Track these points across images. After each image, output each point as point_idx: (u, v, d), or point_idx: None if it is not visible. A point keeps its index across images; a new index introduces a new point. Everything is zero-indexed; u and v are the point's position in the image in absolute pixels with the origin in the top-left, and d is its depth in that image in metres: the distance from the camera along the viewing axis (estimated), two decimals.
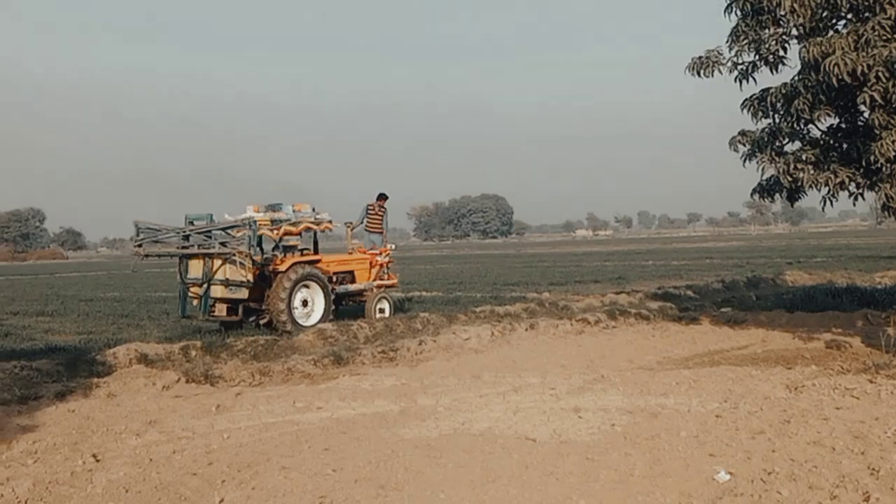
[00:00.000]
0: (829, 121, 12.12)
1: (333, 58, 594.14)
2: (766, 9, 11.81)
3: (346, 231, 19.25)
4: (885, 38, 10.28)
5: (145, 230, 16.30)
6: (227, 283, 15.44)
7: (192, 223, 16.06)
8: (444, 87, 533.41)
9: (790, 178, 11.94)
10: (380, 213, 19.38)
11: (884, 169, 10.86)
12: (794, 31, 11.91)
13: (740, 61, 12.61)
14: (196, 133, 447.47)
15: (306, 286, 16.09)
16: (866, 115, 11.35)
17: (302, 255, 16.75)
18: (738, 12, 12.49)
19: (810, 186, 11.88)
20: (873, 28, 10.31)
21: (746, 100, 12.78)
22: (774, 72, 12.47)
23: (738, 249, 58.02)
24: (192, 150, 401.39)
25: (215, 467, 6.98)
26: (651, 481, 6.12)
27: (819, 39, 10.69)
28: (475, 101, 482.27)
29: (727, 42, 12.63)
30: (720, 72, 12.75)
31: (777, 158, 12.20)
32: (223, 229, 15.67)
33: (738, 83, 12.72)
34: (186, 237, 15.87)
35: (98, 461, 7.29)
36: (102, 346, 13.51)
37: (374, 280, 18.23)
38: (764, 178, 13.02)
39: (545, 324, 15.51)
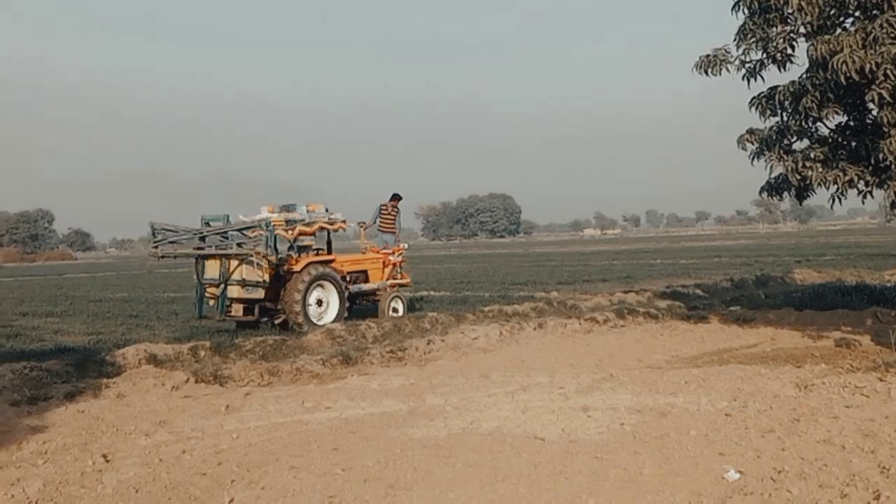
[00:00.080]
0: (837, 119, 12.10)
1: (334, 58, 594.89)
2: (773, 7, 11.80)
3: (360, 231, 19.34)
4: (893, 35, 10.25)
5: (161, 231, 16.37)
6: (243, 284, 15.59)
7: (207, 224, 16.18)
8: (445, 86, 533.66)
9: (799, 177, 11.92)
10: (393, 213, 19.50)
11: (892, 167, 10.83)
12: (802, 29, 11.89)
13: (748, 59, 12.59)
14: (197, 133, 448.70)
15: (321, 286, 16.20)
16: (875, 112, 11.32)
17: (317, 255, 16.81)
18: (746, 10, 12.47)
19: (819, 184, 11.86)
20: (881, 26, 10.28)
21: (754, 98, 12.76)
22: (782, 70, 12.45)
23: (746, 248, 57.90)
24: (194, 151, 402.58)
25: (225, 467, 6.99)
26: (660, 480, 6.12)
27: (827, 37, 10.67)
28: (477, 100, 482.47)
29: (734, 40, 12.63)
30: (727, 70, 12.74)
31: (785, 156, 12.18)
32: (239, 230, 15.72)
33: (745, 81, 12.71)
34: (203, 238, 15.96)
35: (108, 461, 7.31)
36: (112, 346, 13.53)
37: (388, 279, 18.29)
38: (772, 176, 13.01)
39: (553, 323, 15.51)
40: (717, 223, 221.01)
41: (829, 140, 12.25)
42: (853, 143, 11.92)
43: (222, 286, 15.71)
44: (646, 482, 6.10)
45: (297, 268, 15.99)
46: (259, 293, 15.69)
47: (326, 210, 16.94)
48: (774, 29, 12.18)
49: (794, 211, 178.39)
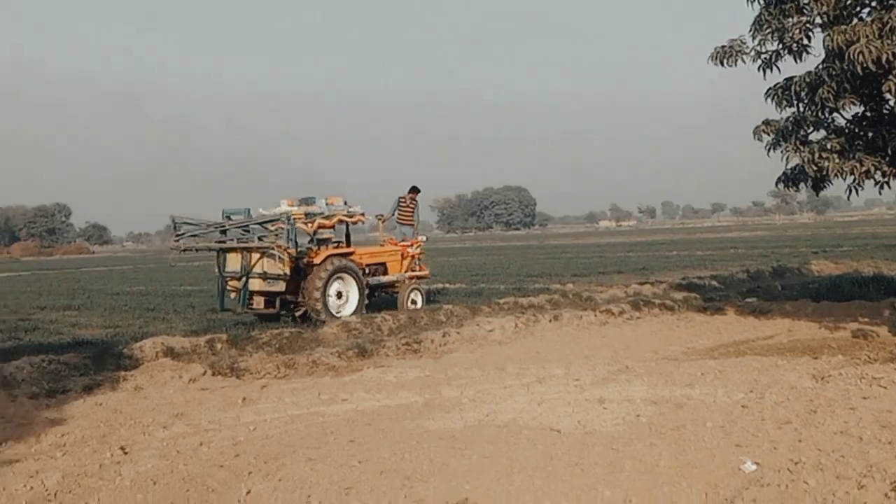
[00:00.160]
0: (853, 109, 12.04)
1: (350, 56, 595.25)
2: None
3: (378, 223, 19.41)
4: None
5: (183, 224, 16.47)
6: (265, 277, 15.68)
7: (229, 218, 16.26)
8: (459, 81, 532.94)
9: (815, 167, 11.87)
10: (411, 205, 19.58)
11: None
12: (818, 20, 11.84)
13: (764, 50, 12.55)
14: (216, 128, 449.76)
15: (340, 278, 16.29)
16: (891, 103, 11.29)
17: (336, 247, 16.89)
18: (761, 1, 12.42)
19: (835, 175, 11.82)
20: None
21: (770, 89, 12.71)
22: (798, 60, 12.41)
23: (762, 239, 57.64)
24: (213, 146, 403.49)
25: (242, 459, 7.02)
26: (677, 472, 6.11)
27: (843, 27, 10.61)
28: (493, 94, 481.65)
29: (750, 31, 12.58)
30: (743, 61, 12.70)
31: (802, 147, 12.14)
32: (260, 223, 15.80)
33: (761, 72, 12.66)
34: (224, 231, 16.06)
35: (126, 454, 7.35)
36: (129, 339, 13.61)
37: (406, 271, 18.34)
38: (789, 167, 12.97)
39: (569, 315, 15.50)
40: (733, 214, 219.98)
41: (846, 130, 12.19)
42: (870, 134, 11.86)
43: (244, 279, 15.81)
44: (662, 474, 6.09)
45: (316, 260, 16.08)
46: (280, 286, 15.77)
47: (345, 203, 17.01)
48: (790, 19, 12.13)
49: (811, 202, 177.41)
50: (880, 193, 12.33)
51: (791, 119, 12.55)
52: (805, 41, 12.17)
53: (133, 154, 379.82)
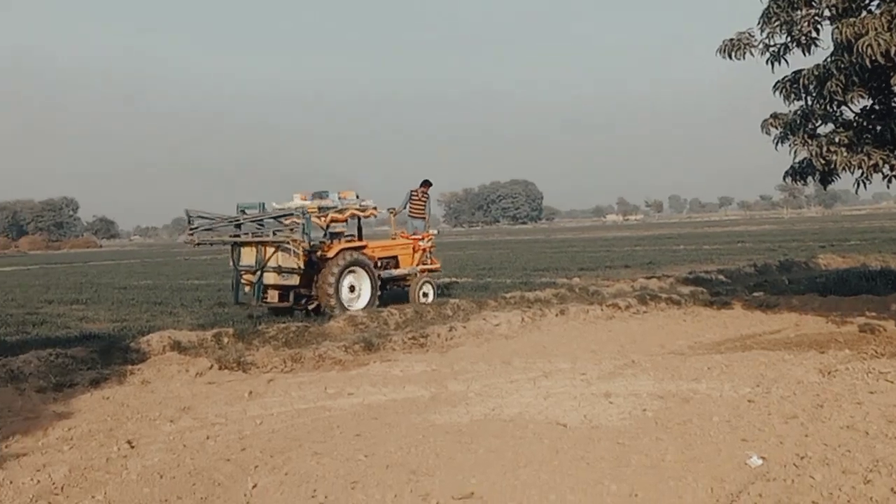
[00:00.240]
0: (862, 102, 12.00)
1: (355, 51, 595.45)
2: None
3: (390, 217, 19.47)
4: None
5: (197, 218, 16.53)
6: (279, 270, 15.86)
7: (243, 212, 16.34)
8: (467, 75, 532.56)
9: (823, 161, 11.84)
10: (423, 199, 19.60)
11: None
12: (827, 12, 11.79)
13: (772, 43, 12.50)
14: (225, 122, 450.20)
15: (353, 272, 16.41)
16: None
17: (349, 241, 16.94)
18: None
19: (843, 169, 11.77)
20: None
21: (778, 82, 12.68)
22: (807, 53, 12.36)
23: (770, 233, 57.49)
24: (221, 140, 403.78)
25: (248, 453, 7.03)
26: (683, 466, 6.10)
27: (852, 20, 10.57)
28: (500, 88, 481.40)
29: (758, 24, 12.53)
30: (751, 54, 12.65)
31: (810, 141, 12.11)
32: (274, 217, 15.85)
33: (769, 65, 12.61)
34: (238, 225, 16.11)
35: (133, 447, 7.37)
36: (136, 333, 13.66)
37: (418, 265, 18.38)
38: (796, 160, 12.93)
39: (575, 309, 15.48)
40: (740, 208, 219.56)
41: (854, 124, 12.15)
42: (878, 127, 11.82)
43: (258, 273, 15.93)
44: (668, 468, 6.09)
45: (330, 254, 16.19)
46: (294, 279, 15.93)
47: (357, 197, 17.07)
48: (799, 12, 12.08)
49: (819, 196, 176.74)
50: (888, 187, 12.28)
51: (799, 112, 12.52)
52: (813, 34, 12.12)
53: (140, 149, 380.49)
